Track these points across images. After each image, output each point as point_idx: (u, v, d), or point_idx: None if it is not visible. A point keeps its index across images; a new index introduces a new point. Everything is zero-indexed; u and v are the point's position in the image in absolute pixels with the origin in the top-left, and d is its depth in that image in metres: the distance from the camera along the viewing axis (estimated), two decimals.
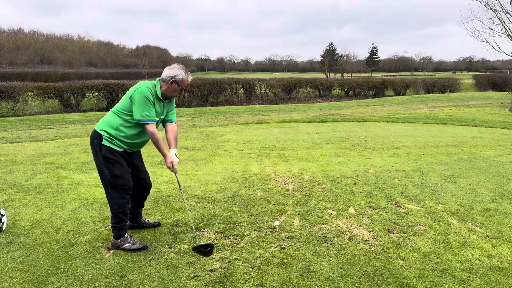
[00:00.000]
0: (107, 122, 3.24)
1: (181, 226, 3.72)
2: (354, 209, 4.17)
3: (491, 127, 10.98)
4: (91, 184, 5.10)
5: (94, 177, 5.47)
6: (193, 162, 6.38)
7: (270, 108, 22.12)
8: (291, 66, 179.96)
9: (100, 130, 3.22)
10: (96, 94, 23.36)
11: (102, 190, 4.84)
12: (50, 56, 69.77)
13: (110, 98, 22.97)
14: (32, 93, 21.02)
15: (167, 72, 3.25)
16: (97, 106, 23.40)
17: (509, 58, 16.75)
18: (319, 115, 17.81)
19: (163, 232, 3.58)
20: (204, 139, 8.75)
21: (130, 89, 3.23)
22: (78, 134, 10.85)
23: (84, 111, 22.04)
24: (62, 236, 3.49)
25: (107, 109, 22.76)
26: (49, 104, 22.16)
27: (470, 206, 4.33)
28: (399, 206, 4.28)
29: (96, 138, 3.22)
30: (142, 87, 3.14)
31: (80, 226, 3.72)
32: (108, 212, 4.07)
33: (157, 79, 3.30)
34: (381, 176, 5.47)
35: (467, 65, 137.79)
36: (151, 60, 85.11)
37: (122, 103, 3.21)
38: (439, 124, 11.18)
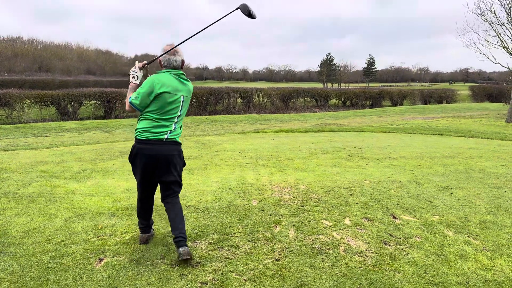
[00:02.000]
0: None
1: None
2: (350, 220, 4.14)
3: (487, 138, 11.00)
4: (84, 193, 5.05)
5: (88, 186, 5.42)
6: (188, 171, 6.34)
7: (267, 117, 22.14)
8: (289, 75, 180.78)
9: None
10: (94, 102, 23.34)
11: (95, 199, 4.80)
12: (49, 64, 69.91)
13: (107, 106, 22.96)
14: (29, 101, 20.99)
15: None
16: (94, 114, 23.37)
17: (505, 69, 16.91)
18: (316, 125, 17.81)
19: (155, 243, 3.53)
20: (200, 148, 8.72)
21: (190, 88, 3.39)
22: (74, 143, 10.81)
23: (81, 119, 22.00)
24: (53, 246, 3.43)
25: (104, 117, 22.72)
26: (46, 112, 22.10)
27: (466, 218, 4.31)
28: (395, 218, 4.25)
29: None
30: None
31: (72, 236, 3.67)
32: (100, 222, 4.03)
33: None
34: (377, 187, 5.45)
35: (464, 76, 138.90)
36: (150, 68, 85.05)
37: None
38: (435, 134, 11.20)
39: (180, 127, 3.37)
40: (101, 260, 3.20)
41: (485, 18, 16.57)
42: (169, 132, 3.23)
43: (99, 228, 3.87)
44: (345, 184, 5.56)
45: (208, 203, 4.65)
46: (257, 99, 32.14)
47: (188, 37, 3.34)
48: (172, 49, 3.29)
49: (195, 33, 3.29)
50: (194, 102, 27.07)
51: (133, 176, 3.43)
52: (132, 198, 4.80)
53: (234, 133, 11.58)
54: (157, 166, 3.23)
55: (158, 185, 3.44)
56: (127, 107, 3.32)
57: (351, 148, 8.79)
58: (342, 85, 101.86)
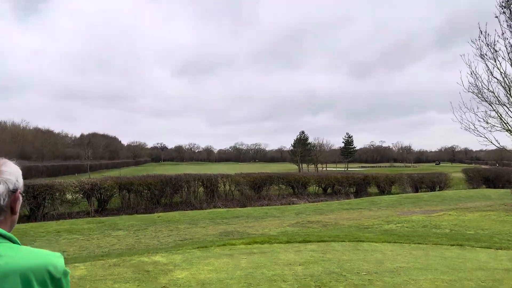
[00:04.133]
0: None
1: None
2: None
3: None
4: None
5: None
6: None
7: (236, 214, 20.52)
8: (259, 155, 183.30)
9: None
10: None
11: None
12: None
13: (34, 203, 20.64)
14: None
15: None
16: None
17: (493, 148, 16.85)
18: (297, 223, 16.39)
19: None
20: (141, 280, 6.94)
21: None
22: None
23: None
24: None
25: (29, 218, 20.33)
26: None
27: None
28: None
29: None
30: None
31: None
32: None
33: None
34: None
35: (450, 155, 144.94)
36: (97, 150, 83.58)
37: None
38: (453, 245, 9.93)
39: None
40: None
41: (483, 98, 16.53)
42: None
43: None
44: None
45: None
46: (223, 188, 30.71)
47: None
48: None
49: None
50: (145, 194, 25.26)
51: None
52: None
53: (193, 247, 9.87)
54: None
55: None
56: None
57: (352, 273, 7.27)
58: (319, 165, 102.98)
